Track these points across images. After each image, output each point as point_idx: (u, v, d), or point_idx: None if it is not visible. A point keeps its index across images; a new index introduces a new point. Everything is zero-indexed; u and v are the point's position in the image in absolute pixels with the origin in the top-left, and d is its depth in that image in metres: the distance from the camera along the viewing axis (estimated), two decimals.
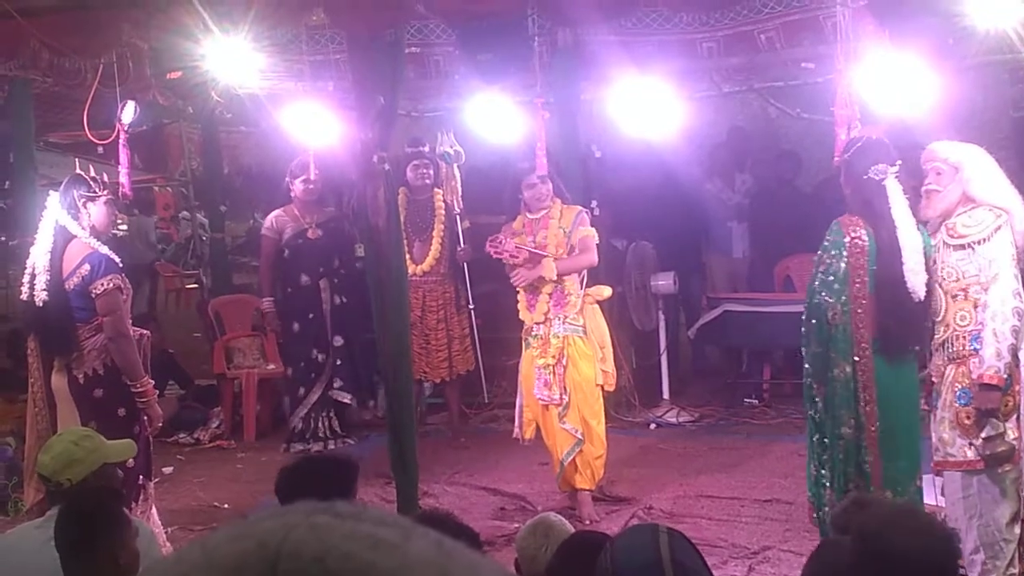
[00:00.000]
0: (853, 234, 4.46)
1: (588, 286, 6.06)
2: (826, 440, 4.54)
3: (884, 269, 4.43)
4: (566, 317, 5.90)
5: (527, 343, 6.05)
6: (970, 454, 4.43)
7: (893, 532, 2.34)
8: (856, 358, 4.43)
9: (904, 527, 2.36)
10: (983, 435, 4.38)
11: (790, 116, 8.72)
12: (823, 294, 4.47)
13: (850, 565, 2.40)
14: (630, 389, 7.71)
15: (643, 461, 6.98)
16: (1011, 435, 4.41)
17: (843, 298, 4.45)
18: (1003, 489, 4.44)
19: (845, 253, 4.44)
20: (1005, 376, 4.33)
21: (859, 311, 4.42)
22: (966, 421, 4.43)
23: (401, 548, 0.60)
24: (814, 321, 4.50)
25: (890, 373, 4.48)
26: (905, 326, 4.49)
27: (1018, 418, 4.42)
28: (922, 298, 4.44)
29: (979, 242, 4.42)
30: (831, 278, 4.46)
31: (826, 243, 4.54)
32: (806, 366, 4.61)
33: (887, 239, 4.44)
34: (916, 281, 4.42)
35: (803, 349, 4.60)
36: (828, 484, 4.52)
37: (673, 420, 7.90)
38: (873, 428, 4.45)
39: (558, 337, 5.88)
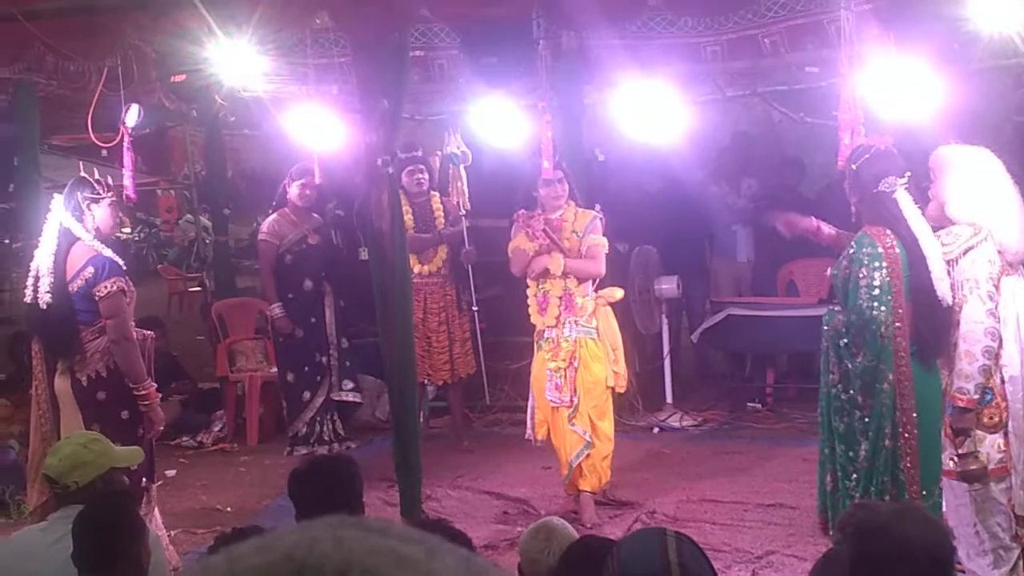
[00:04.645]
0: (887, 244, 4.40)
1: (598, 288, 6.07)
2: (851, 453, 4.46)
3: (916, 278, 4.39)
4: (578, 320, 5.91)
5: (539, 346, 6.05)
6: (951, 465, 4.44)
7: (898, 525, 2.37)
8: (897, 367, 4.40)
9: (909, 521, 2.41)
10: (960, 451, 4.39)
11: (794, 120, 8.72)
12: (875, 306, 4.39)
13: (852, 560, 2.41)
14: (633, 393, 7.70)
15: (646, 465, 6.97)
16: (1000, 447, 4.39)
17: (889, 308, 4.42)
18: (991, 503, 4.43)
19: (885, 264, 4.38)
20: (975, 397, 4.33)
21: (898, 322, 4.39)
22: (950, 431, 4.44)
23: (425, 565, 0.60)
24: (867, 334, 4.41)
25: (923, 379, 4.46)
26: (937, 332, 4.46)
27: (1006, 432, 4.42)
28: (950, 304, 4.42)
29: (954, 260, 4.42)
30: (876, 291, 4.39)
31: (858, 255, 4.44)
32: (841, 378, 4.49)
33: (912, 248, 4.41)
34: (943, 288, 4.38)
35: (845, 362, 4.48)
36: (856, 496, 4.44)
37: (676, 424, 7.89)
38: (910, 435, 4.42)
39: (569, 340, 5.90)
